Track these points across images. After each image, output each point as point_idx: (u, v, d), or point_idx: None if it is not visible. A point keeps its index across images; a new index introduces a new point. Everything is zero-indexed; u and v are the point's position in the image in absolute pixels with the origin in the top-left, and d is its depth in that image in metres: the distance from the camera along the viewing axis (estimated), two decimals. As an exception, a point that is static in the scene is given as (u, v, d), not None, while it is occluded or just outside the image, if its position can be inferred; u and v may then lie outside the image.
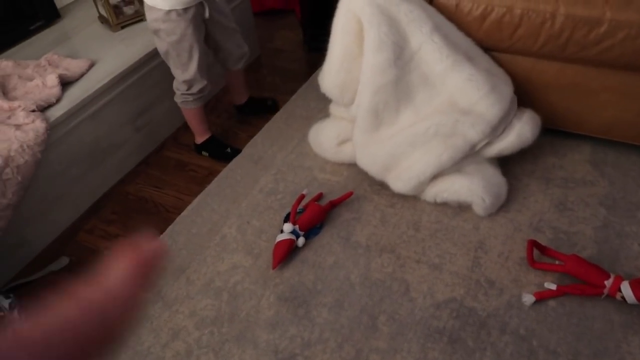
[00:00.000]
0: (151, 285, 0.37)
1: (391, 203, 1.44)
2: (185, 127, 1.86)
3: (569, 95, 1.46)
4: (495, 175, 1.40)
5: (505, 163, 1.46)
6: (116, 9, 1.82)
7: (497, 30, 1.42)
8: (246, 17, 2.07)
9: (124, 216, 1.55)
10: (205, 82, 1.56)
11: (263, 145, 1.71)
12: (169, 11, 1.40)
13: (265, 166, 1.62)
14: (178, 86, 1.57)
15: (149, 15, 1.45)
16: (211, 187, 1.58)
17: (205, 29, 1.52)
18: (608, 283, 1.08)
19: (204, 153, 1.73)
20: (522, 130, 1.38)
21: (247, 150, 1.70)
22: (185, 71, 1.51)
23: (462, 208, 1.39)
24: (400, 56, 1.38)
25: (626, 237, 1.26)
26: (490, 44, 1.46)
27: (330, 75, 1.47)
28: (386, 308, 1.18)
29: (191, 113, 1.65)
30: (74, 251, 1.46)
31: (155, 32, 1.46)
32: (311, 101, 1.86)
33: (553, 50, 1.38)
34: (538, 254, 1.23)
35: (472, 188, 1.35)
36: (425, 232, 1.35)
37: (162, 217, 1.52)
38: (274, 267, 1.29)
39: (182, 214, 1.50)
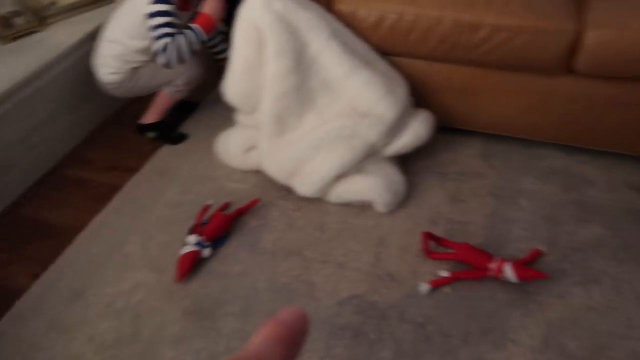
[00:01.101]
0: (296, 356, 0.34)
1: (297, 207, 1.46)
2: (85, 142, 1.79)
3: (460, 95, 1.56)
4: (394, 173, 1.46)
5: (404, 161, 1.52)
6: (5, 21, 1.72)
7: (391, 35, 1.48)
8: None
9: (17, 241, 1.45)
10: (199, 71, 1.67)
11: (169, 157, 1.67)
12: None
13: (170, 179, 1.59)
14: (175, 81, 1.65)
15: None
16: (113, 203, 1.52)
17: None
18: (493, 266, 1.16)
19: (150, 134, 1.75)
20: (417, 130, 1.46)
21: (151, 164, 1.65)
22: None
23: (365, 207, 1.43)
24: (300, 62, 1.41)
25: (510, 222, 1.36)
26: (386, 48, 1.53)
27: (233, 84, 1.48)
28: (293, 311, 1.18)
29: (170, 100, 1.70)
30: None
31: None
32: (218, 109, 1.84)
33: (443, 53, 1.47)
34: (435, 245, 1.30)
35: (373, 187, 1.40)
36: (330, 233, 1.38)
37: (60, 240, 1.44)
38: (178, 281, 1.26)
39: (81, 234, 1.43)
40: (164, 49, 1.42)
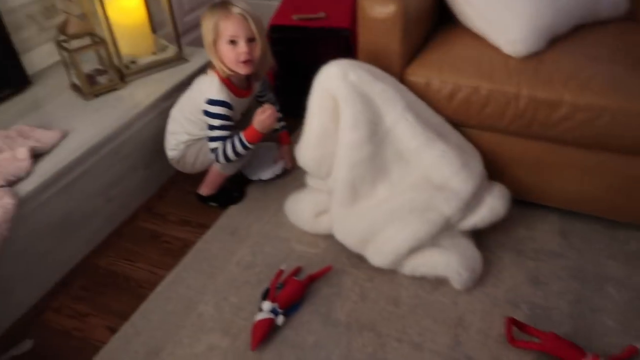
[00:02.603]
0: None
1: (370, 277, 1.45)
2: (159, 196, 1.84)
3: (536, 169, 1.54)
4: (470, 249, 1.43)
5: (478, 235, 1.50)
6: (90, 78, 1.82)
7: (465, 108, 1.49)
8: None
9: (94, 292, 1.49)
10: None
11: (239, 216, 1.70)
12: None
13: (241, 238, 1.61)
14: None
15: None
16: (186, 260, 1.54)
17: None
18: (586, 363, 1.10)
19: (211, 204, 1.77)
20: (494, 205, 1.44)
21: (222, 221, 1.68)
22: None
23: (440, 282, 1.41)
24: (375, 133, 1.42)
25: (599, 311, 1.30)
26: (459, 120, 1.54)
27: (308, 150, 1.50)
28: (369, 391, 1.16)
29: (222, 177, 1.72)
30: (40, 333, 1.38)
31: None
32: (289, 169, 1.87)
33: (519, 128, 1.46)
34: (518, 332, 1.25)
35: (449, 262, 1.38)
36: (404, 308, 1.35)
37: (135, 293, 1.47)
38: (253, 348, 1.26)
39: (156, 289, 1.46)
40: (214, 150, 1.57)
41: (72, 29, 1.71)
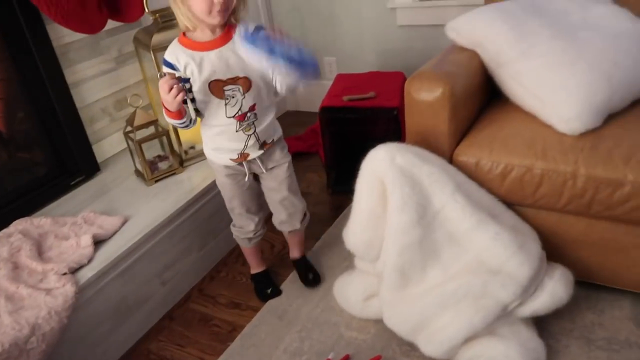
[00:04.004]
0: None
1: (423, 367, 1.37)
2: (210, 277, 1.88)
3: (600, 250, 1.43)
4: (531, 338, 1.33)
5: (541, 321, 1.39)
6: (152, 164, 1.94)
7: (519, 188, 1.44)
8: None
9: (145, 380, 1.50)
10: (249, 223, 1.59)
11: (287, 298, 1.69)
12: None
13: (289, 322, 1.58)
14: (234, 221, 1.64)
15: None
16: (234, 346, 1.53)
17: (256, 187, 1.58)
18: None
19: (252, 283, 1.76)
20: (555, 290, 1.34)
21: (271, 304, 1.67)
22: (229, 202, 1.57)
23: (499, 375, 1.30)
24: (424, 216, 1.39)
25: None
26: (513, 199, 1.48)
27: (356, 233, 1.49)
28: None
29: (246, 250, 1.70)
30: (91, 420, 1.40)
31: None
32: (335, 248, 1.86)
33: (578, 208, 1.39)
34: None
35: (509, 354, 1.28)
36: (461, 405, 1.25)
37: (184, 381, 1.47)
38: None
39: (205, 378, 1.45)
40: None
41: (138, 120, 1.87)
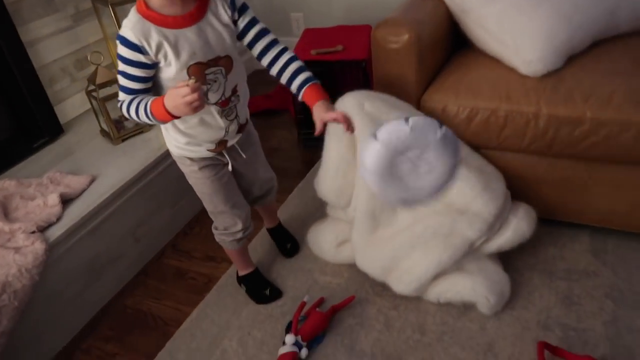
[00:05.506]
0: None
1: (394, 305, 1.42)
2: (184, 233, 1.88)
3: (562, 188, 1.49)
4: (497, 272, 1.39)
5: (506, 257, 1.45)
6: (117, 123, 1.90)
7: (484, 131, 1.48)
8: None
9: (122, 332, 1.51)
10: (236, 222, 1.38)
11: (262, 249, 1.71)
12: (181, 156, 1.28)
13: (264, 271, 1.61)
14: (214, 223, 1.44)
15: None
16: (210, 296, 1.55)
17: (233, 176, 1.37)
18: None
19: (242, 286, 1.54)
20: (518, 226, 1.39)
21: (246, 255, 1.69)
22: (209, 203, 1.36)
23: (467, 307, 1.37)
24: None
25: (637, 331, 1.23)
26: (479, 142, 1.52)
27: (326, 180, 1.51)
28: None
29: (230, 252, 1.50)
30: (69, 374, 1.41)
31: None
32: (308, 200, 1.88)
33: (540, 148, 1.43)
34: (551, 356, 1.19)
35: (475, 287, 1.34)
36: (431, 336, 1.31)
37: (161, 331, 1.48)
38: (278, 383, 1.24)
39: (181, 327, 1.46)
40: (120, 104, 1.12)
41: (100, 78, 1.81)
